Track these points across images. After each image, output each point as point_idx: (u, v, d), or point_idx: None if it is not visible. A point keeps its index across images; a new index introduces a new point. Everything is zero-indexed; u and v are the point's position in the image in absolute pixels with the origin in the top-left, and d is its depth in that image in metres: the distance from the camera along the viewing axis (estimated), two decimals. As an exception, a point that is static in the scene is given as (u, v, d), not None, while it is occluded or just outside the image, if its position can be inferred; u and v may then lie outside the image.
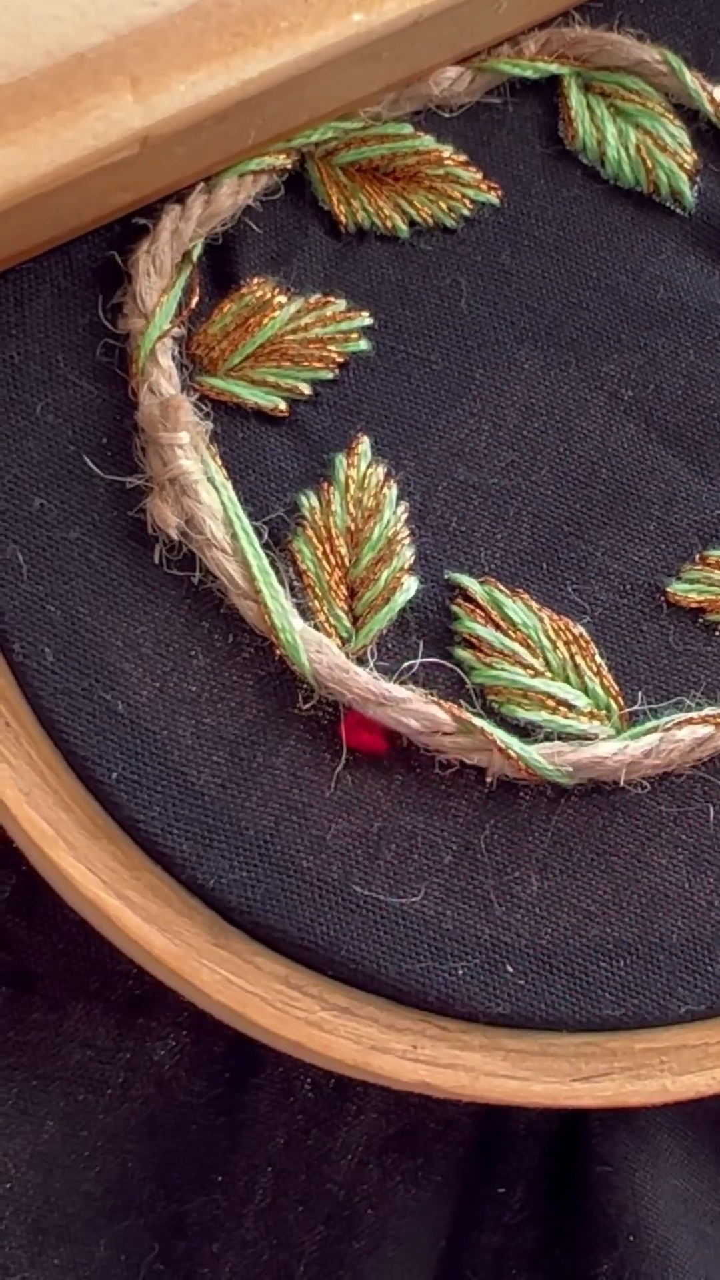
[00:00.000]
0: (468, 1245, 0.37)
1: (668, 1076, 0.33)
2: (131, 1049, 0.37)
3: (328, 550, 0.34)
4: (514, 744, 0.33)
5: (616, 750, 0.33)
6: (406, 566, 0.34)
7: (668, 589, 0.35)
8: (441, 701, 0.33)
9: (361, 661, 0.33)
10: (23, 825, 0.33)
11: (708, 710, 0.34)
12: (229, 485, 0.34)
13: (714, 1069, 0.33)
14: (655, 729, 0.33)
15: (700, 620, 0.35)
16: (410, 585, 0.34)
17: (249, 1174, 0.37)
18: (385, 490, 0.35)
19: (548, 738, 0.33)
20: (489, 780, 0.33)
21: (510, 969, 0.33)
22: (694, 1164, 0.37)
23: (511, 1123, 0.37)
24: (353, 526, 0.34)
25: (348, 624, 0.34)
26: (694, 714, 0.34)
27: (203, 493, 0.34)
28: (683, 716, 0.34)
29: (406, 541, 0.35)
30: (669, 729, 0.33)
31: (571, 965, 0.33)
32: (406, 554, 0.34)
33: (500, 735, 0.33)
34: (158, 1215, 0.36)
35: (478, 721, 0.33)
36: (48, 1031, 0.37)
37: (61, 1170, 0.37)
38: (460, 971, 0.33)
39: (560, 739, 0.33)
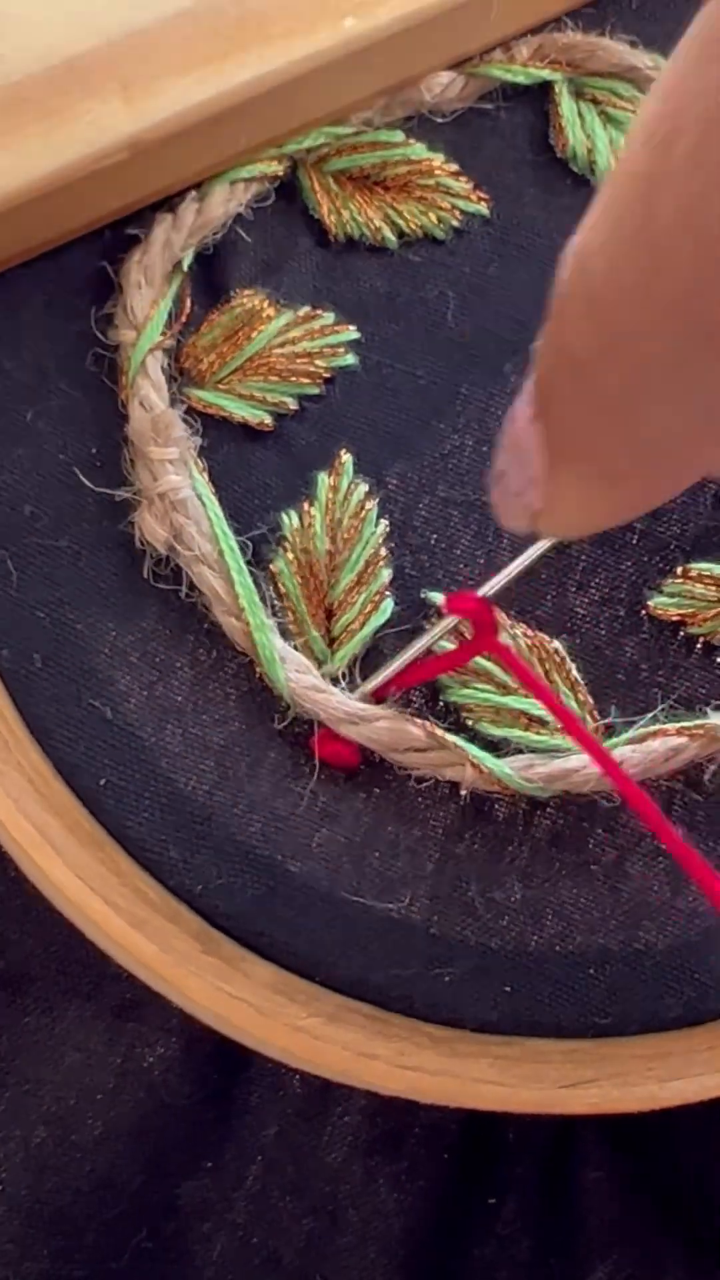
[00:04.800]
0: (460, 1256, 0.37)
1: (655, 1083, 0.33)
2: (122, 1055, 0.37)
3: (307, 574, 0.34)
4: (485, 759, 0.33)
5: (586, 762, 0.33)
6: (383, 588, 0.34)
7: (649, 602, 0.35)
8: (414, 719, 0.33)
9: (337, 681, 0.33)
10: (11, 831, 0.33)
11: (682, 722, 0.34)
12: (216, 502, 0.34)
13: (701, 1075, 0.33)
14: (628, 741, 0.33)
15: (680, 634, 0.35)
16: (386, 607, 0.34)
17: (240, 1161, 0.37)
18: (366, 510, 0.35)
19: (519, 752, 0.33)
20: (463, 793, 0.33)
21: (497, 976, 0.33)
22: (681, 1168, 0.37)
23: (501, 1132, 0.37)
24: (332, 549, 0.34)
25: (323, 646, 0.34)
26: (668, 725, 0.34)
27: (191, 508, 0.34)
28: (657, 728, 0.33)
29: (384, 563, 0.34)
30: (642, 740, 0.33)
31: (557, 972, 0.33)
32: (384, 575, 0.34)
33: (472, 751, 0.33)
34: (147, 1200, 0.37)
35: (449, 738, 0.33)
36: (40, 1036, 0.37)
37: (53, 1171, 0.37)
38: (447, 978, 0.33)
39: (533, 752, 0.33)
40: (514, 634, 0.34)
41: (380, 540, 0.35)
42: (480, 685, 0.34)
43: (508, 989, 0.33)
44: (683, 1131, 0.37)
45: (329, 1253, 0.36)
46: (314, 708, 0.33)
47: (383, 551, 0.35)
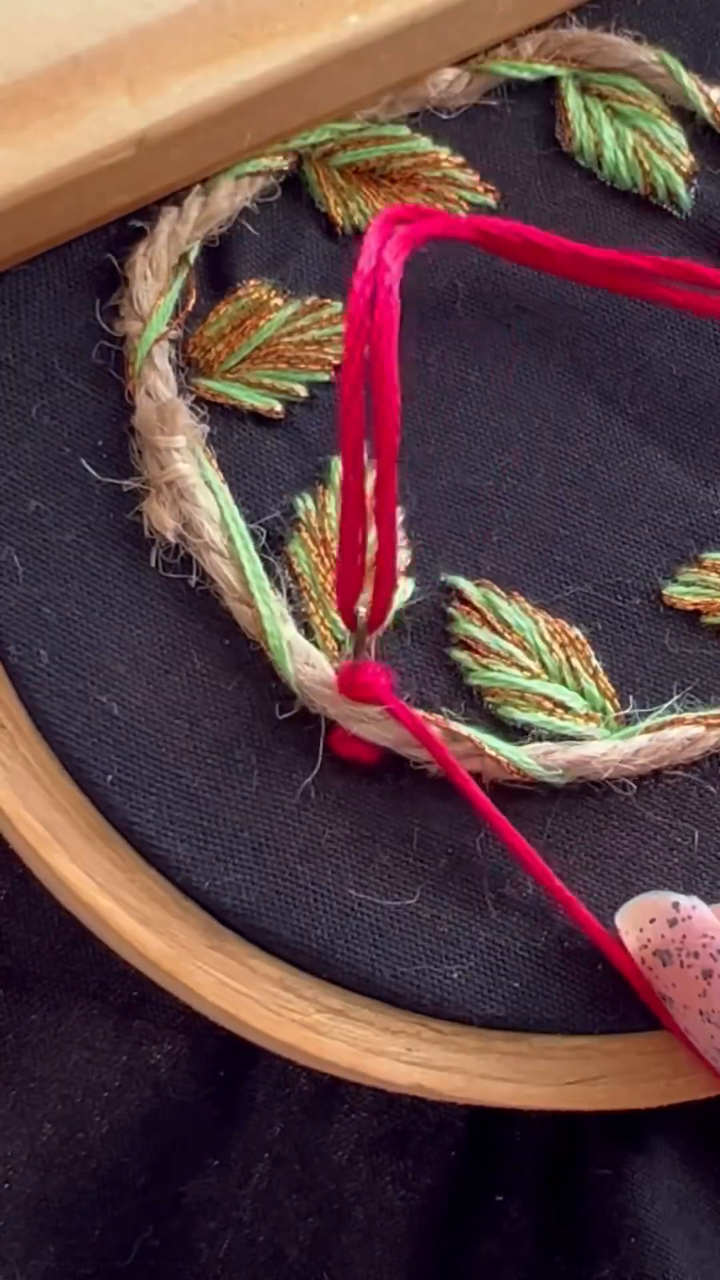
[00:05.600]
0: (466, 1253, 0.37)
1: (661, 1080, 0.33)
2: (129, 1052, 0.37)
3: (323, 554, 0.34)
4: (502, 748, 0.33)
5: (606, 750, 0.33)
6: (402, 569, 0.34)
7: (664, 591, 0.35)
8: (426, 714, 0.33)
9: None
10: (17, 827, 0.33)
11: (700, 711, 0.34)
12: (226, 489, 0.34)
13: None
14: (645, 729, 0.33)
15: (697, 622, 0.35)
16: (406, 588, 0.34)
17: (246, 1159, 0.37)
18: (381, 494, 0.35)
19: (538, 739, 0.33)
20: (483, 784, 0.33)
21: (506, 972, 0.33)
22: (687, 1165, 0.37)
23: (508, 1129, 0.37)
24: None
25: (343, 627, 0.34)
26: (685, 714, 0.34)
27: (200, 496, 0.34)
28: (674, 717, 0.34)
29: (402, 545, 0.35)
30: (659, 729, 0.33)
31: (566, 968, 0.33)
32: (402, 557, 0.34)
33: (488, 741, 0.33)
34: (152, 1197, 0.36)
35: (464, 730, 0.33)
36: (46, 1033, 0.37)
37: (59, 1169, 0.37)
38: (455, 974, 0.33)
39: (553, 740, 0.33)
40: (535, 620, 0.34)
41: (397, 522, 0.35)
42: (504, 668, 0.34)
43: (516, 985, 0.33)
44: (689, 1128, 0.37)
45: (335, 1251, 0.36)
46: (323, 702, 0.33)
47: (400, 534, 0.35)
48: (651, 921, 0.31)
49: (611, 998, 0.33)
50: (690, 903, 0.31)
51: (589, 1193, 0.36)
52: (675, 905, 0.31)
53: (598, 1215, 0.36)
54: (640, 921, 0.32)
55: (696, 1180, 0.37)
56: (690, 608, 0.35)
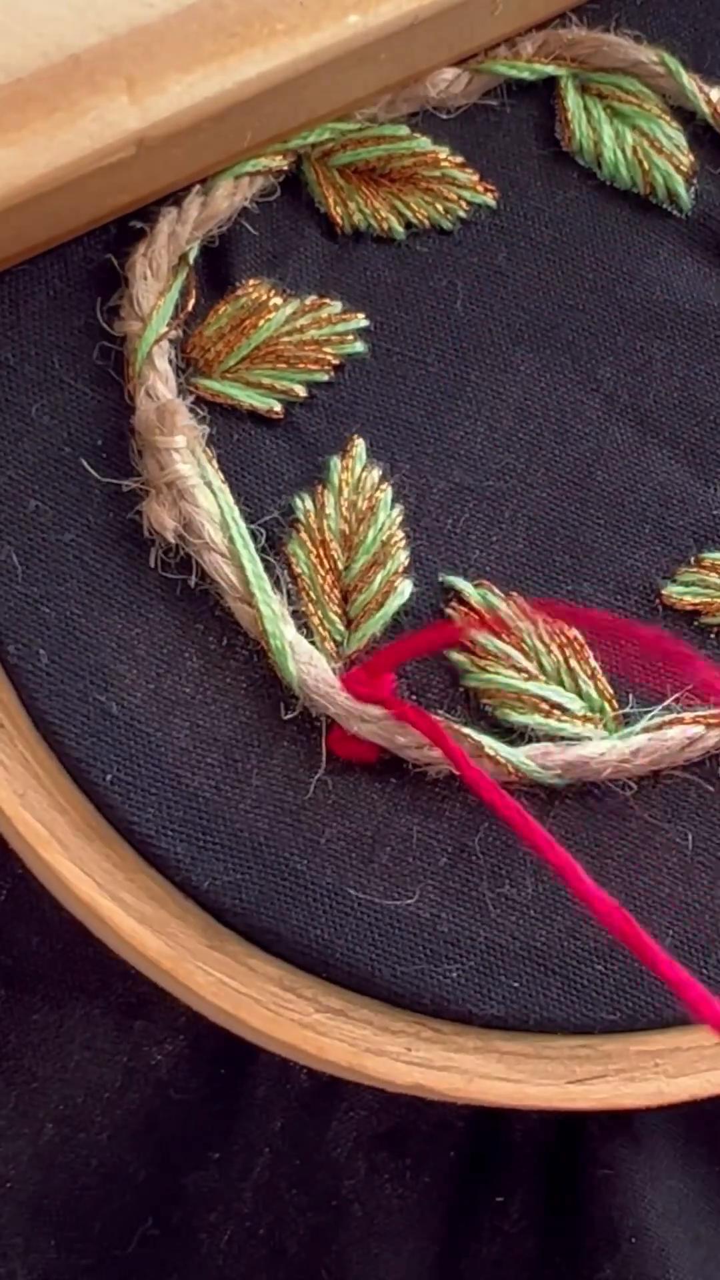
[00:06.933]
0: (467, 1254, 0.37)
1: (662, 1079, 0.33)
2: (129, 1052, 0.37)
3: (322, 554, 0.34)
4: (501, 749, 0.33)
5: (605, 750, 0.33)
6: (401, 570, 0.34)
7: (663, 591, 0.35)
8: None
9: (354, 665, 0.33)
10: (17, 827, 0.33)
11: (699, 711, 0.34)
12: (226, 489, 0.34)
13: (708, 1071, 0.33)
14: (645, 729, 0.33)
15: (695, 623, 0.35)
16: (404, 589, 0.34)
17: (247, 1153, 0.37)
18: (380, 493, 0.35)
19: (535, 740, 0.33)
20: None
21: (506, 971, 0.33)
22: (687, 1164, 0.37)
23: (508, 1130, 0.37)
24: (347, 530, 0.34)
25: (341, 628, 0.34)
26: (684, 714, 0.34)
27: (200, 497, 0.34)
28: (673, 716, 0.34)
29: (401, 545, 0.35)
30: (659, 728, 0.33)
31: (566, 967, 0.33)
32: (401, 557, 0.34)
33: (487, 741, 0.33)
34: (154, 1190, 0.37)
35: (463, 730, 0.33)
36: (47, 1033, 0.37)
37: (60, 1168, 0.37)
38: (455, 974, 0.33)
39: (551, 741, 0.33)
40: (533, 621, 0.34)
41: (396, 523, 0.35)
42: (501, 670, 0.34)
43: (516, 984, 0.33)
44: (689, 1128, 0.37)
45: (333, 1246, 0.36)
46: (324, 702, 0.33)
47: (399, 534, 0.35)
48: None
49: (612, 997, 0.33)
50: None
51: (589, 1193, 0.36)
52: None
53: (598, 1215, 0.36)
54: None
55: (696, 1180, 0.37)
56: (689, 608, 0.35)
